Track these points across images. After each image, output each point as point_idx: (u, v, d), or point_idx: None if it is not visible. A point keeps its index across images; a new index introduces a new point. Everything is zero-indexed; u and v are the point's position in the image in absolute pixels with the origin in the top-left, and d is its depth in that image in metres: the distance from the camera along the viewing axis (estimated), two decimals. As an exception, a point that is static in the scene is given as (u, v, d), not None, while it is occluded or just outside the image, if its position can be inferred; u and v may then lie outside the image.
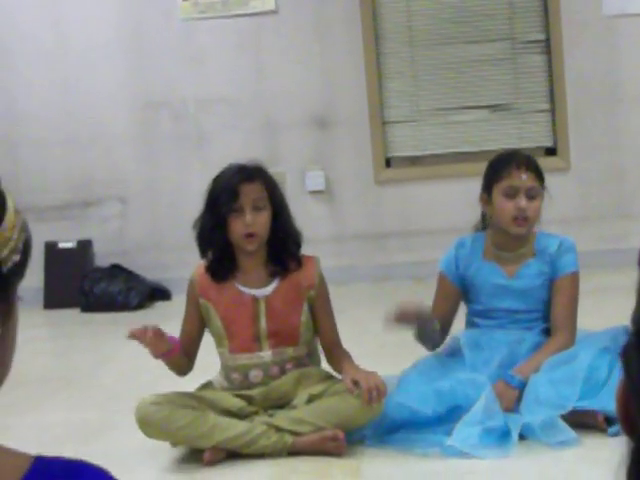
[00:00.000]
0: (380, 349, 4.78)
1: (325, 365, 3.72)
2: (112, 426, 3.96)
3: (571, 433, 3.40)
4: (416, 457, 3.39)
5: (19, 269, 1.05)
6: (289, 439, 3.47)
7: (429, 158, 6.75)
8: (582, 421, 3.46)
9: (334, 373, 3.67)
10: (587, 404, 3.46)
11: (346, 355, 3.63)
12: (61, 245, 6.83)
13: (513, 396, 3.55)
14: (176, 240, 6.53)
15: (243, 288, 3.60)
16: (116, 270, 6.75)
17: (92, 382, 4.82)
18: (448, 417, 3.49)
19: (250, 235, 3.51)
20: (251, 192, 3.53)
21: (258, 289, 3.60)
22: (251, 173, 3.56)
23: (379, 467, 3.37)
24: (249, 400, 3.58)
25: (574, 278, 3.76)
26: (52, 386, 4.80)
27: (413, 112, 6.71)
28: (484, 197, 3.81)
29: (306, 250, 3.67)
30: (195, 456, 3.53)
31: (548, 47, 6.57)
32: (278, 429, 3.48)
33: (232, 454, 3.49)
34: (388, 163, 6.78)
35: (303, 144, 6.74)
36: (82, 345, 5.73)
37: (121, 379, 4.79)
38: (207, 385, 3.70)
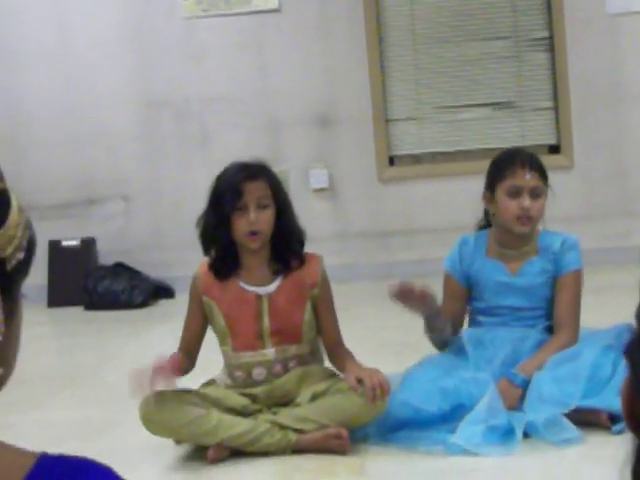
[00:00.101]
0: (382, 347, 4.78)
1: (327, 363, 3.72)
2: (116, 424, 3.96)
3: (575, 431, 3.40)
4: (420, 455, 3.39)
5: (23, 267, 1.05)
6: (293, 437, 3.47)
7: (432, 156, 6.75)
8: (586, 419, 3.45)
9: (337, 371, 3.67)
10: (591, 402, 3.45)
11: (348, 354, 3.63)
12: (65, 243, 6.84)
13: (517, 394, 3.55)
14: (179, 238, 6.53)
15: (246, 286, 3.60)
16: (120, 268, 6.76)
17: (96, 380, 4.83)
18: (452, 416, 3.49)
19: (254, 233, 3.51)
20: (255, 190, 3.52)
21: (261, 287, 3.60)
22: (255, 171, 3.56)
23: (383, 465, 3.37)
24: (253, 398, 3.58)
25: (577, 276, 3.76)
26: (56, 384, 4.80)
27: (416, 110, 6.70)
28: (487, 195, 3.80)
29: (309, 248, 3.67)
30: (199, 454, 3.53)
31: (551, 45, 6.57)
32: (282, 427, 3.48)
33: (236, 452, 3.49)
34: (391, 161, 6.77)
35: (306, 142, 6.74)
36: (86, 343, 5.74)
37: (125, 377, 4.77)
38: (210, 383, 3.70)
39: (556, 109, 6.60)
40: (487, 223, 3.91)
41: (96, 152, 6.88)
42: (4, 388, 1.07)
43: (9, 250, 1.02)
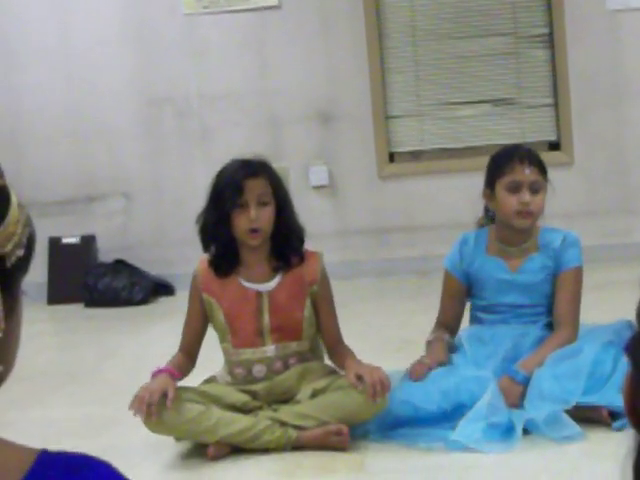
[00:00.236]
0: (383, 344, 4.78)
1: (327, 360, 3.71)
2: (116, 421, 3.96)
3: (575, 428, 3.39)
4: (420, 451, 3.39)
5: (23, 264, 1.05)
6: (293, 434, 3.47)
7: (432, 153, 6.75)
8: (586, 416, 3.45)
9: (337, 368, 3.66)
10: (591, 399, 3.45)
11: (348, 351, 3.62)
12: (65, 240, 6.83)
13: (518, 392, 3.55)
14: (180, 235, 6.53)
15: (246, 283, 3.60)
16: (120, 265, 6.76)
17: (96, 377, 4.83)
18: (452, 414, 3.49)
19: (254, 230, 3.51)
20: (255, 187, 3.52)
21: (261, 284, 3.59)
22: (255, 168, 3.56)
23: (383, 461, 3.37)
24: (253, 395, 3.58)
25: (577, 273, 3.75)
26: (56, 381, 4.80)
27: (416, 107, 6.70)
28: (487, 192, 3.80)
29: (309, 245, 3.67)
30: (199, 451, 3.53)
31: (551, 41, 6.56)
32: (282, 424, 3.48)
33: (236, 449, 3.49)
34: (391, 158, 6.77)
35: (307, 139, 6.74)
36: (86, 340, 5.74)
37: (125, 374, 4.78)
38: (210, 380, 3.70)
39: (556, 106, 6.60)
40: (487, 221, 3.91)
41: (97, 149, 6.88)
42: (4, 385, 1.07)
43: (9, 247, 1.02)
